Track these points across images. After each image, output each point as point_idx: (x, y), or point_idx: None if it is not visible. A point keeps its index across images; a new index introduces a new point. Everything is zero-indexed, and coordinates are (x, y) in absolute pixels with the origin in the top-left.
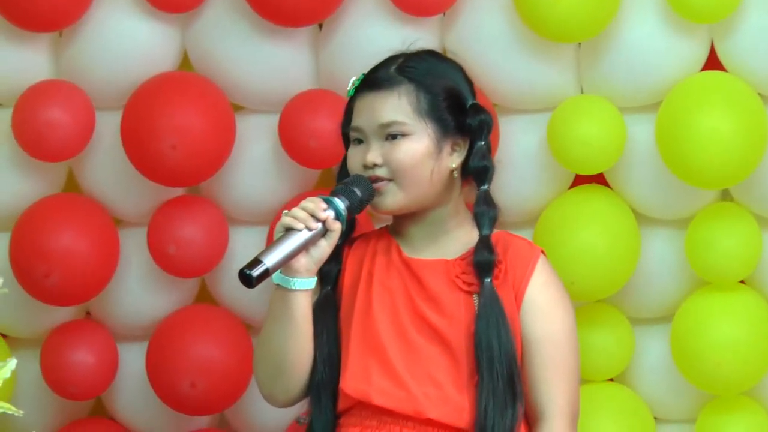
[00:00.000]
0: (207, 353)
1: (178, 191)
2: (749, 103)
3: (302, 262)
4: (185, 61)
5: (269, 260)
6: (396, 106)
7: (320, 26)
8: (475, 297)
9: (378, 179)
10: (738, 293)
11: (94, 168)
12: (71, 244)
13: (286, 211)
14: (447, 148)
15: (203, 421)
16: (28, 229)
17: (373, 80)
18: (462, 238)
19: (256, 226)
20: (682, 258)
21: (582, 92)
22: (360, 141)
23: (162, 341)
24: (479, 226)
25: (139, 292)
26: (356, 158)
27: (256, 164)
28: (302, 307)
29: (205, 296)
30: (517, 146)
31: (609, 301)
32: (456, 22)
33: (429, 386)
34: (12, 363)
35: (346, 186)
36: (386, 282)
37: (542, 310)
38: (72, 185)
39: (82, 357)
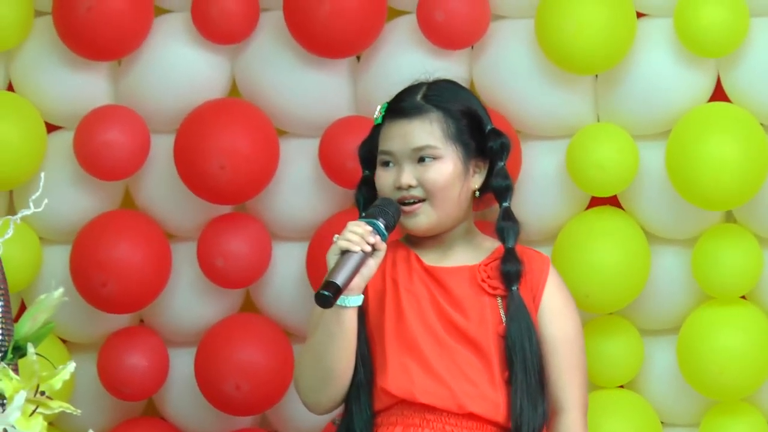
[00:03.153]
0: (250, 358)
1: (226, 208)
2: (752, 131)
3: (356, 281)
4: (234, 89)
5: (339, 280)
6: (428, 132)
7: (358, 58)
8: (498, 300)
9: (412, 200)
10: (739, 307)
11: (148, 186)
12: (127, 256)
13: (337, 236)
14: (471, 170)
15: (246, 420)
16: (87, 242)
17: (402, 108)
18: (478, 246)
19: (297, 241)
20: (689, 274)
21: (598, 120)
22: (388, 164)
23: (209, 347)
24: (504, 240)
25: (189, 302)
26: (388, 180)
27: (297, 184)
28: (353, 321)
29: (249, 306)
30: (538, 169)
31: (621, 314)
32: (483, 55)
33: (465, 384)
34: (71, 366)
35: (381, 208)
36: (411, 288)
37: (557, 312)
38: (128, 202)
39: (136, 361)
